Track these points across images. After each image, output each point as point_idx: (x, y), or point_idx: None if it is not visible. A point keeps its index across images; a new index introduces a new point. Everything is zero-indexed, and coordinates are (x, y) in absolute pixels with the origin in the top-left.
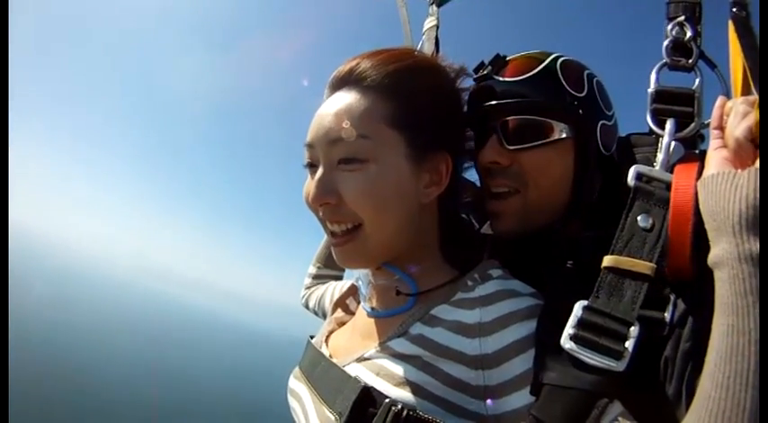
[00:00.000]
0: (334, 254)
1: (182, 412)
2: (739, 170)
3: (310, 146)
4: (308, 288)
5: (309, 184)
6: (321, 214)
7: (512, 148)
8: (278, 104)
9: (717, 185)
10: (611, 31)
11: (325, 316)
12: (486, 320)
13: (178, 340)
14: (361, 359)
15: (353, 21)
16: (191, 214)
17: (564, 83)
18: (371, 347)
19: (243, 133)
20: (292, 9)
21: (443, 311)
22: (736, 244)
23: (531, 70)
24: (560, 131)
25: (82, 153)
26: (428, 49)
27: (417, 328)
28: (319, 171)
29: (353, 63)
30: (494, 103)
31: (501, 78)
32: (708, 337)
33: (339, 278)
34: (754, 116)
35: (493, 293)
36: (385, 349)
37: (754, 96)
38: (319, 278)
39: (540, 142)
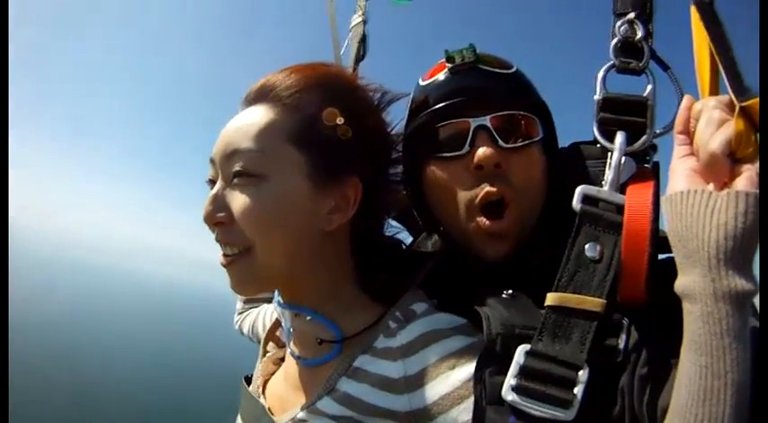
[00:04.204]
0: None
1: (186, 400)
2: (714, 190)
3: (212, 161)
4: (240, 314)
5: (205, 200)
6: (216, 236)
7: (507, 146)
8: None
9: (688, 206)
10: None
11: (260, 342)
12: (412, 373)
13: (181, 318)
14: (294, 421)
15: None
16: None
17: (532, 85)
18: (302, 407)
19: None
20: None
21: (366, 363)
22: (711, 279)
23: (510, 68)
24: (539, 130)
25: (79, 148)
26: (353, 47)
27: (343, 385)
28: (216, 187)
29: (265, 79)
30: (484, 93)
31: (490, 68)
32: (665, 361)
33: (270, 301)
34: (733, 125)
35: (416, 339)
36: (314, 411)
37: (727, 97)
38: (251, 302)
39: (529, 141)
